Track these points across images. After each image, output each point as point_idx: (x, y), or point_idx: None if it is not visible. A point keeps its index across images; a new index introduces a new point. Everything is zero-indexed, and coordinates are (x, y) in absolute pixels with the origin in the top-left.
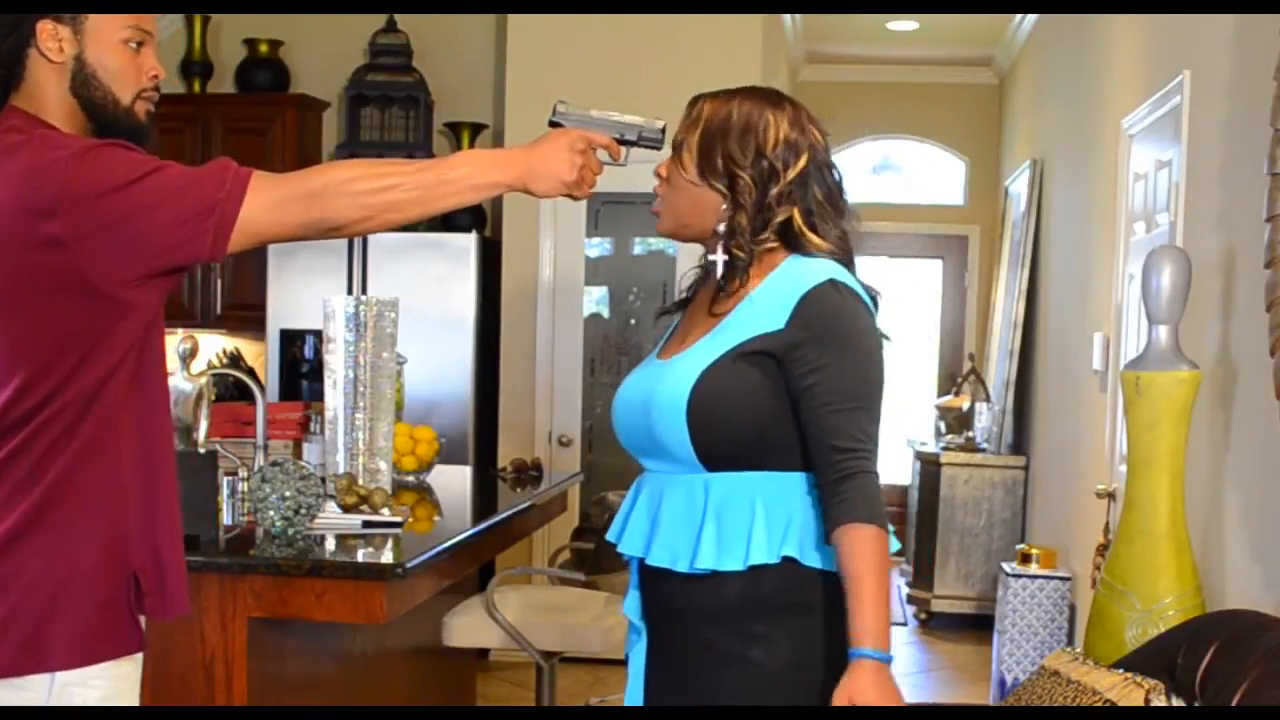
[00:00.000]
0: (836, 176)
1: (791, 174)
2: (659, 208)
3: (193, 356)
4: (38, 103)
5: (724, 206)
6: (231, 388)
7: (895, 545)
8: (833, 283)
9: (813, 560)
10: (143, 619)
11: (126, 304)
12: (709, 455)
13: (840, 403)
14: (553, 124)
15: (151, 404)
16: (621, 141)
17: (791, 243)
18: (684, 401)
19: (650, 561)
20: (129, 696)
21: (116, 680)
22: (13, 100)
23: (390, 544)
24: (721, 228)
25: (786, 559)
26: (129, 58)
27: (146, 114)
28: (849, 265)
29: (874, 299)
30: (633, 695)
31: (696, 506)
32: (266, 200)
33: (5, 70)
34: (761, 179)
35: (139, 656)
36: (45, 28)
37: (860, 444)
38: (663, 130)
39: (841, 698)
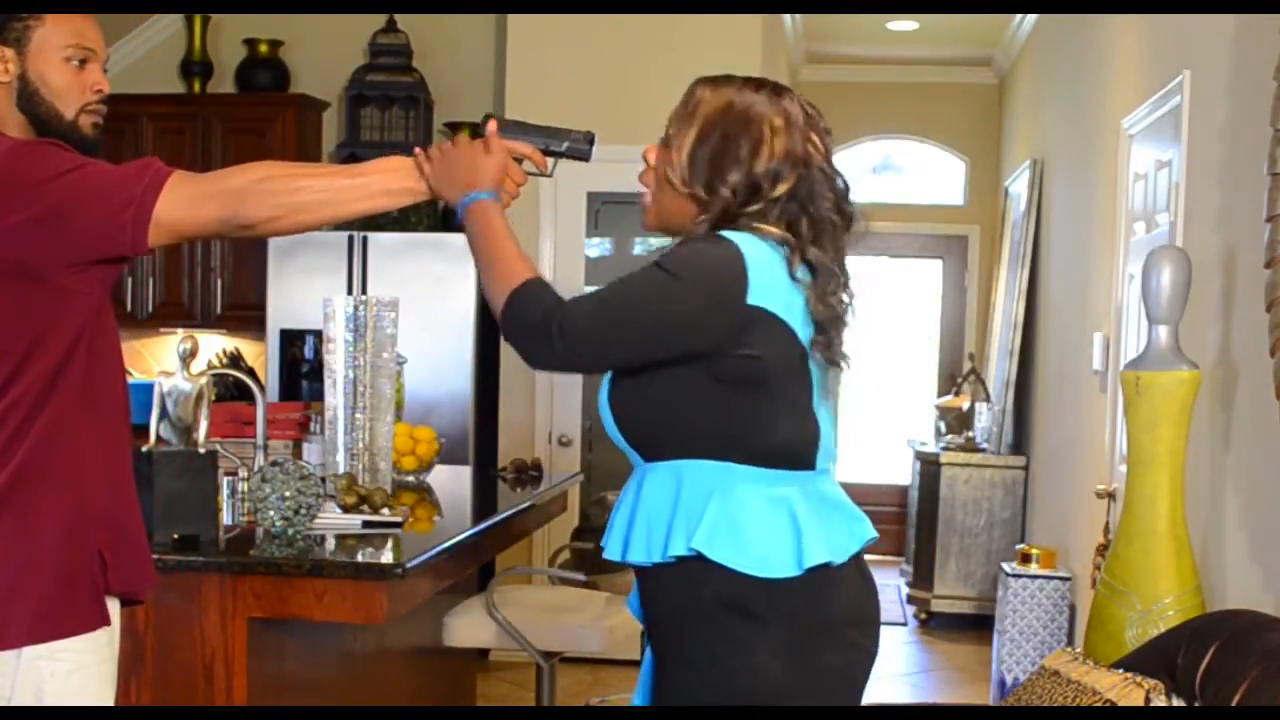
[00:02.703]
0: (839, 189)
1: (780, 190)
2: (647, 202)
3: (193, 356)
4: None
5: (701, 216)
6: (231, 388)
7: (866, 537)
8: (715, 234)
9: (722, 556)
10: (114, 602)
11: (69, 291)
12: (636, 442)
13: (608, 289)
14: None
15: (109, 389)
16: (547, 152)
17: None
18: (607, 391)
19: (604, 554)
20: (100, 668)
21: (85, 654)
22: None
23: (390, 544)
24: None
25: (710, 558)
26: (71, 74)
27: (93, 126)
28: (814, 273)
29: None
30: (638, 693)
31: (629, 499)
32: (183, 195)
33: None
34: (744, 194)
35: (112, 630)
36: None
37: (576, 307)
38: (591, 141)
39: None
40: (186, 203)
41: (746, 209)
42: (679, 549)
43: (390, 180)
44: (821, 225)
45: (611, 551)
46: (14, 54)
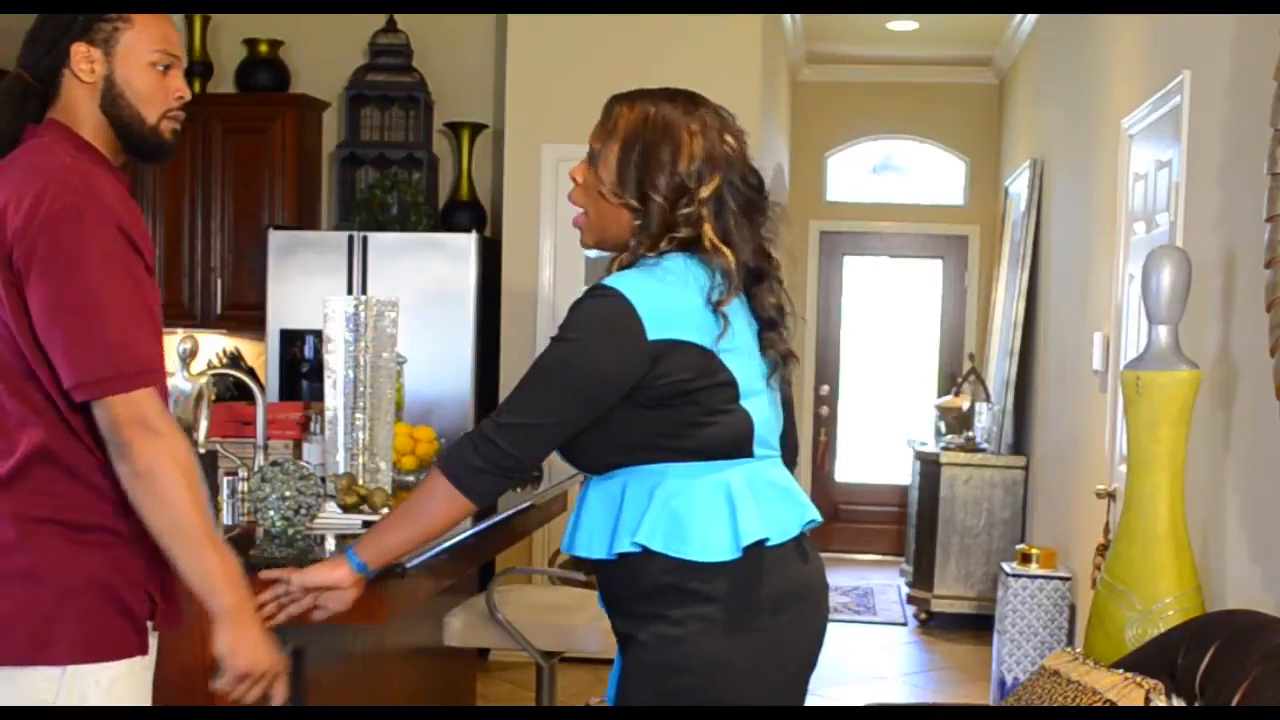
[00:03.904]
0: (754, 181)
1: (705, 192)
2: (580, 221)
3: (193, 356)
4: (72, 118)
5: (637, 223)
6: (231, 388)
7: (806, 519)
8: (599, 286)
9: (665, 547)
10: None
11: None
12: (583, 467)
13: (519, 382)
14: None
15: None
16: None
17: (696, 250)
18: None
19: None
20: (143, 676)
21: (127, 676)
22: (50, 114)
23: None
24: (632, 242)
25: (653, 549)
26: (156, 79)
27: (172, 132)
28: (761, 276)
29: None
30: (609, 688)
31: (580, 501)
32: (140, 404)
33: (43, 87)
34: (674, 197)
35: (150, 659)
36: (79, 50)
37: (499, 415)
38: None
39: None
40: (126, 402)
41: (680, 211)
42: (624, 546)
43: (211, 577)
44: (743, 220)
45: (564, 545)
46: (101, 55)
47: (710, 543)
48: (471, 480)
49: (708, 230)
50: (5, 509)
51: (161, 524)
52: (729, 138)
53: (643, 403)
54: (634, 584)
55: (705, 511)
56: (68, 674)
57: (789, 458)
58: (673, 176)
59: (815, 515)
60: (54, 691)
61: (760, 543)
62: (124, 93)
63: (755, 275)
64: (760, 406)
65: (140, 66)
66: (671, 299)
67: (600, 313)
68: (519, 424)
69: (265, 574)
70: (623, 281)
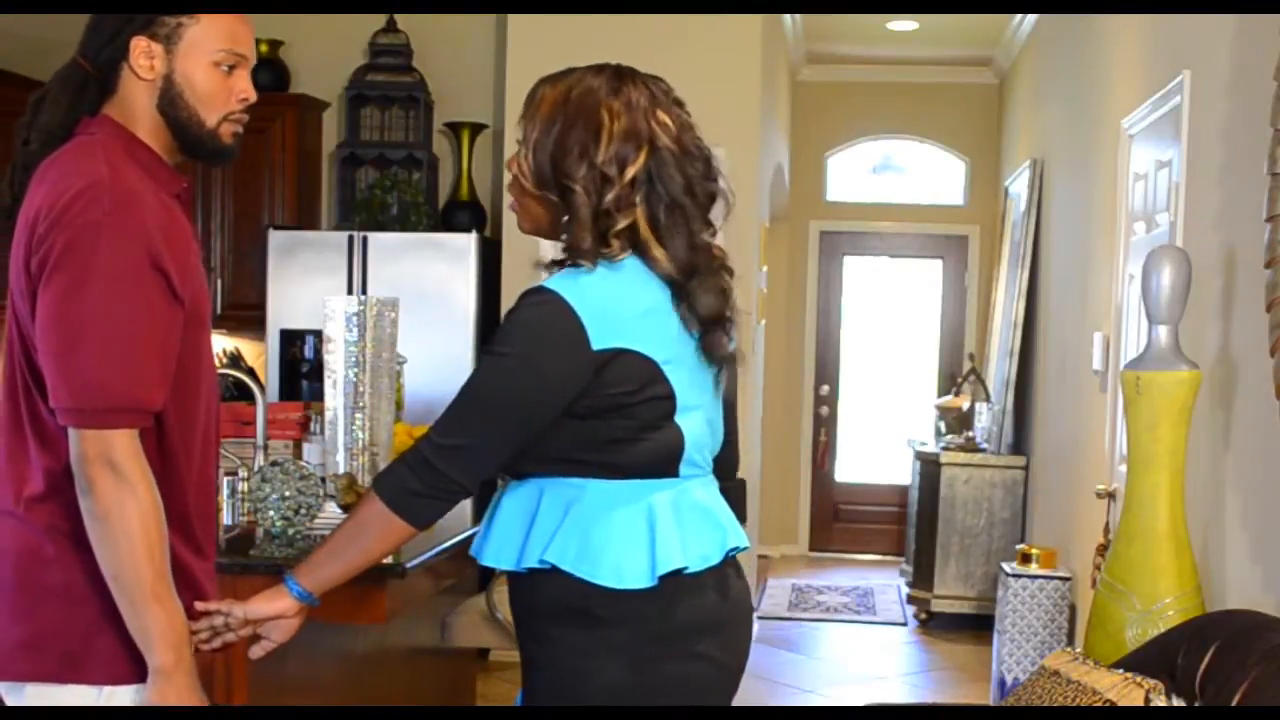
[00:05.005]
0: (698, 160)
1: (629, 173)
2: (516, 209)
3: None
4: (128, 114)
5: (565, 218)
6: (231, 388)
7: (729, 545)
8: (536, 290)
9: (575, 568)
10: None
11: None
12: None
13: (454, 400)
14: None
15: (199, 438)
16: None
17: (639, 248)
18: None
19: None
20: None
21: None
22: (105, 109)
23: None
24: (565, 239)
25: (562, 568)
26: (219, 80)
27: (233, 135)
28: (693, 272)
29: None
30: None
31: (493, 506)
32: (110, 444)
33: (102, 77)
34: (595, 187)
35: None
36: (139, 44)
37: (434, 435)
38: None
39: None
40: (95, 439)
41: (606, 197)
42: (532, 561)
43: (155, 626)
44: (674, 209)
45: (473, 548)
46: (162, 51)
47: (624, 569)
48: (410, 505)
49: (641, 218)
50: (41, 523)
51: (110, 570)
52: (661, 114)
53: (575, 413)
54: (540, 602)
55: (622, 535)
56: (104, 694)
57: (725, 471)
58: (591, 165)
59: (739, 542)
60: (92, 702)
61: (678, 571)
62: (183, 92)
63: (688, 271)
64: (695, 422)
65: (202, 65)
66: (619, 302)
67: (538, 323)
68: (455, 445)
69: (201, 606)
70: (564, 283)
